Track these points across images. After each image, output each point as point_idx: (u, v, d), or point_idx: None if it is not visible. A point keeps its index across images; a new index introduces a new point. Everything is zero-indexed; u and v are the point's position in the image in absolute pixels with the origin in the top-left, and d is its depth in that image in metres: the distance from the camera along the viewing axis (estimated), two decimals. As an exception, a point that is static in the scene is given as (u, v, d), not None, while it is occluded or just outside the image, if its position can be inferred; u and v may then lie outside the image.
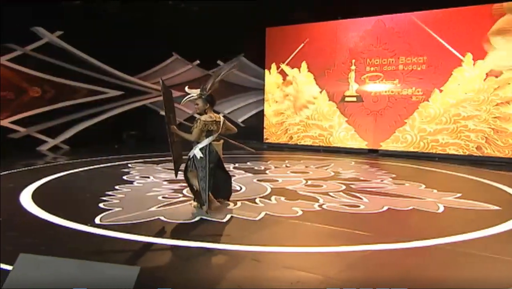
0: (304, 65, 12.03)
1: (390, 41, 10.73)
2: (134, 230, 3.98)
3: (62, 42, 11.46)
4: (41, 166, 8.26)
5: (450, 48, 9.93)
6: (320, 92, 11.76)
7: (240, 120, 14.23)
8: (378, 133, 10.96)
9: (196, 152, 4.55)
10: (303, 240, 3.88)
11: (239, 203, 5.10)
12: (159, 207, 4.86)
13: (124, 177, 6.81)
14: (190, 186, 4.78)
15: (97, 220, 4.23)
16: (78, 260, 2.45)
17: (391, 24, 10.74)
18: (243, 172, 7.55)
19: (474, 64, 9.69)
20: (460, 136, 9.90)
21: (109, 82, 12.53)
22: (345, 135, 11.42)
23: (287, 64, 12.33)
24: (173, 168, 4.84)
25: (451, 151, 9.98)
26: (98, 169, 7.82)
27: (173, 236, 3.82)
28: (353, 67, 11.33)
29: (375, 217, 4.70)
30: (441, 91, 10.08)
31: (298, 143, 12.03)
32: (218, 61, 14.17)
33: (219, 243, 3.67)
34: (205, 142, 4.55)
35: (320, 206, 5.10)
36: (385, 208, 5.01)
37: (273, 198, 5.45)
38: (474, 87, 9.74)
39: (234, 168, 8.06)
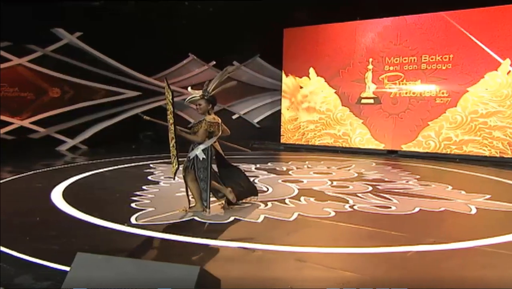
0: (313, 70, 11.94)
1: (412, 38, 10.36)
2: (171, 230, 4.02)
3: (81, 43, 11.57)
4: (65, 166, 8.34)
5: (487, 50, 9.46)
6: (335, 92, 11.65)
7: (255, 121, 14.27)
8: (397, 138, 10.73)
9: (199, 153, 4.52)
10: (342, 241, 3.88)
11: (269, 204, 5.11)
12: (190, 206, 4.87)
13: (149, 177, 6.87)
14: (188, 188, 4.74)
15: (132, 220, 4.27)
16: (136, 260, 2.48)
17: (412, 19, 10.37)
18: (266, 173, 7.57)
19: (509, 71, 9.27)
20: (483, 142, 9.66)
21: (127, 83, 12.62)
22: (360, 140, 11.29)
23: (293, 74, 12.32)
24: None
25: (473, 152, 9.86)
26: (122, 169, 7.88)
27: (211, 236, 3.83)
28: (370, 66, 11.11)
29: (408, 218, 4.68)
30: (466, 91, 9.75)
31: (316, 144, 11.98)
32: (234, 62, 14.25)
33: (259, 243, 3.67)
34: (208, 143, 4.56)
35: (350, 206, 5.09)
36: (416, 209, 4.99)
37: (302, 198, 5.46)
38: (502, 93, 9.40)
39: (256, 168, 8.10)
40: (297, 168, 8.27)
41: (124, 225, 4.10)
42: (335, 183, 6.64)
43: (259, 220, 4.43)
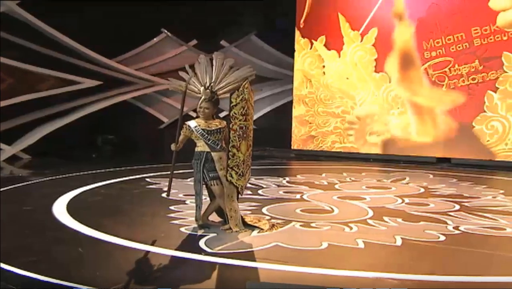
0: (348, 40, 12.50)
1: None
2: (263, 257, 4.25)
3: (22, 11, 11.41)
4: (21, 184, 8.36)
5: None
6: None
7: (250, 120, 14.55)
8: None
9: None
10: (487, 269, 4.24)
11: (354, 226, 5.43)
12: (259, 231, 5.12)
13: (163, 195, 7.03)
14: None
15: (206, 248, 4.46)
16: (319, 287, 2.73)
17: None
18: (308, 188, 7.91)
19: None
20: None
21: (82, 68, 12.56)
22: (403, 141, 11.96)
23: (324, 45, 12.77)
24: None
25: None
26: (115, 185, 8.02)
27: (323, 264, 4.08)
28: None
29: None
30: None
31: (341, 151, 12.45)
32: (222, 42, 14.53)
33: (387, 271, 3.96)
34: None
35: (455, 228, 5.49)
36: (541, 231, 5.47)
37: (387, 219, 5.81)
38: None
39: (288, 182, 8.47)
40: (340, 182, 8.67)
41: (201, 254, 4.30)
42: (407, 200, 7.07)
43: (360, 246, 4.72)
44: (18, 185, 8.01)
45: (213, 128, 5.06)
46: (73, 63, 12.40)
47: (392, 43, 11.97)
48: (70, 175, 8.93)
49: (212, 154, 5.04)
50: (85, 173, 9.22)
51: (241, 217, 5.22)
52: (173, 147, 5.10)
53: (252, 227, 5.20)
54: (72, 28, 12.04)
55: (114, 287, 3.51)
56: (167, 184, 7.71)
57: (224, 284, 3.79)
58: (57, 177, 8.78)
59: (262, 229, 5.19)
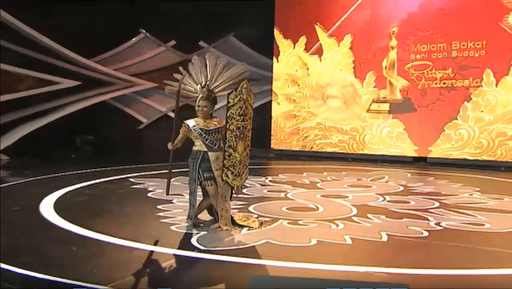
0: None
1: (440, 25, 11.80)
2: (259, 254, 4.38)
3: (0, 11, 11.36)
4: (15, 182, 8.46)
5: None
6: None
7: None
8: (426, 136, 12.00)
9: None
10: (470, 263, 4.45)
11: (340, 223, 5.60)
12: (249, 229, 5.25)
13: (150, 195, 7.15)
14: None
15: (199, 246, 4.57)
16: (322, 279, 2.87)
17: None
18: (291, 187, 8.07)
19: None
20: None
21: (60, 68, 12.51)
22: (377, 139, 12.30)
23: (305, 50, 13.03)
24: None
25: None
26: (99, 185, 8.08)
27: (313, 260, 4.22)
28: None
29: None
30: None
31: (319, 150, 12.72)
32: (201, 43, 14.61)
33: (374, 266, 4.12)
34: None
35: (437, 224, 5.70)
36: (517, 226, 5.72)
37: (371, 216, 6.00)
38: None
39: (271, 181, 8.65)
40: (322, 181, 8.87)
41: (194, 251, 4.40)
42: (389, 198, 7.28)
43: (347, 242, 4.89)
44: (3, 185, 8.04)
45: (212, 128, 5.12)
46: (51, 63, 12.32)
47: (369, 49, 12.43)
48: (55, 175, 8.99)
49: (209, 153, 5.12)
50: (69, 173, 9.26)
51: (231, 216, 5.33)
52: (169, 146, 5.16)
53: (241, 226, 5.31)
54: (50, 28, 11.98)
55: (111, 285, 3.57)
56: (151, 184, 7.98)
57: (219, 281, 3.88)
58: (42, 177, 8.81)
59: (251, 227, 5.30)
